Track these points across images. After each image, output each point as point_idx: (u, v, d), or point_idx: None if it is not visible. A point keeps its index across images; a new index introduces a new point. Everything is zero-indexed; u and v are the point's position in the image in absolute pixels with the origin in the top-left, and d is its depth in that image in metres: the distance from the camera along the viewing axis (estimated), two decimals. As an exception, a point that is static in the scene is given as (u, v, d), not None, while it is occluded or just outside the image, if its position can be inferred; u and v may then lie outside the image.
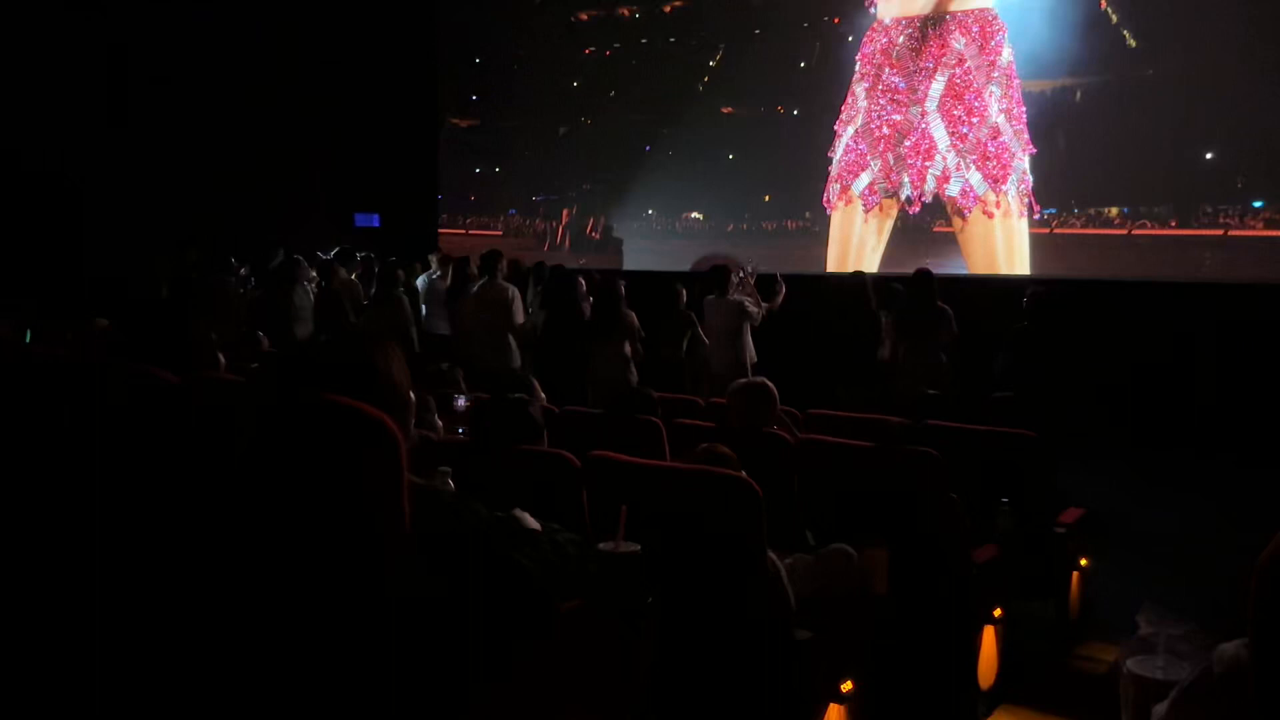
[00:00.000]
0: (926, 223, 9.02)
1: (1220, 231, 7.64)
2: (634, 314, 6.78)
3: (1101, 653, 3.99)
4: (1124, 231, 8.06)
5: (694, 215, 10.54)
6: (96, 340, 4.60)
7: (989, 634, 3.48)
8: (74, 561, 1.87)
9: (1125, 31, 7.97)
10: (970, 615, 3.42)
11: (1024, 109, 8.45)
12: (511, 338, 7.25)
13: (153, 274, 8.49)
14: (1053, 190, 8.37)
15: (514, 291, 7.33)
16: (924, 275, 6.71)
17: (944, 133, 8.79)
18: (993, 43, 8.58)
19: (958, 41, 8.73)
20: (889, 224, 9.23)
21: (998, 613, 3.53)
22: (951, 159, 8.74)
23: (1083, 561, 4.28)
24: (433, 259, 9.38)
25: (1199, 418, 7.12)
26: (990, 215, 8.60)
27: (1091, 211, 8.22)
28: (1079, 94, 8.24)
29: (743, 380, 4.11)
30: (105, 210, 9.18)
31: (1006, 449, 4.02)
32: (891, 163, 9.10)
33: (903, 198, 9.03)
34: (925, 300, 6.56)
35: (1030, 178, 8.43)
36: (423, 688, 1.61)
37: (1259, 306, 7.29)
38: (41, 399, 2.20)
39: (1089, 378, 7.42)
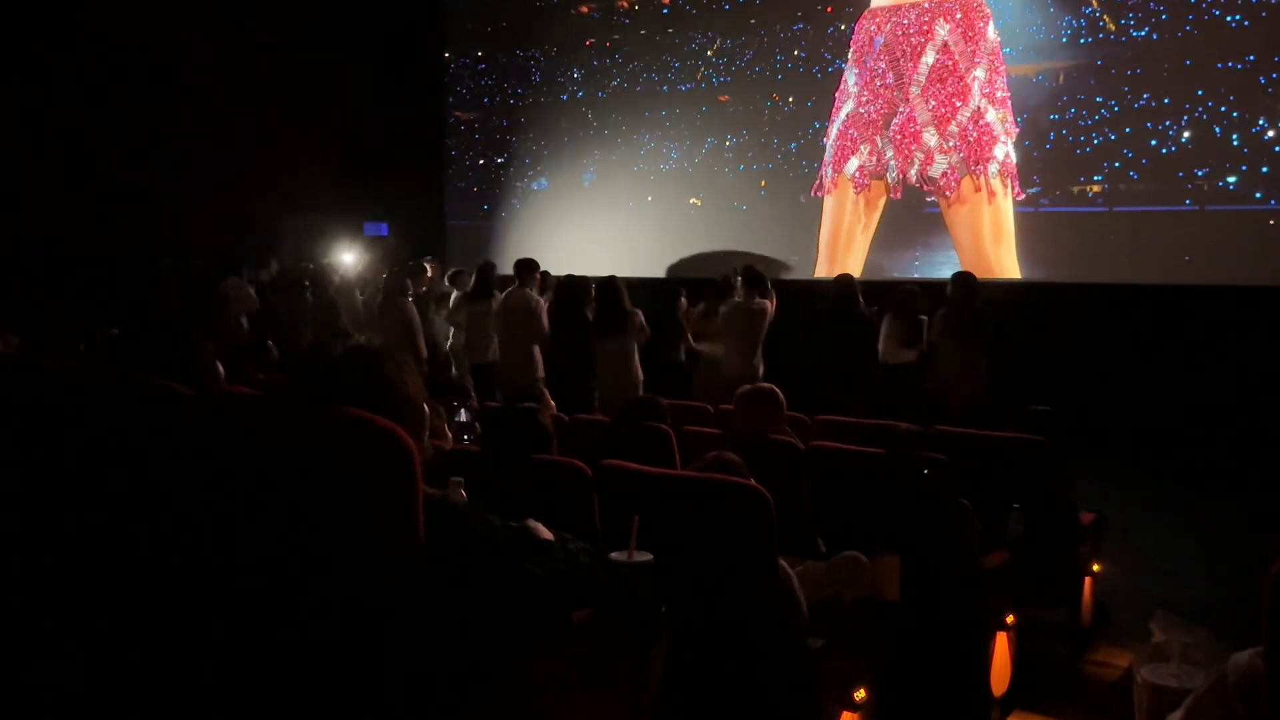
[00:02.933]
0: (915, 205, 9.26)
1: (1196, 207, 7.93)
2: (640, 312, 6.77)
3: (1114, 658, 3.98)
4: (1105, 209, 8.34)
5: (692, 201, 10.83)
6: (109, 352, 4.61)
7: (1001, 640, 3.47)
8: (88, 572, 1.89)
9: (1105, 16, 8.25)
10: (983, 621, 3.41)
11: (1008, 92, 8.72)
12: (536, 348, 7.20)
13: (161, 284, 8.53)
14: (1036, 170, 8.63)
15: (539, 301, 7.29)
16: (966, 278, 6.61)
17: (928, 116, 9.07)
18: (977, 27, 8.85)
19: (942, 27, 9.01)
20: (879, 207, 9.50)
21: (1010, 619, 3.52)
22: (935, 142, 9.03)
23: (1095, 567, 4.27)
24: (427, 265, 9.37)
25: (1213, 422, 7.09)
26: (973, 196, 8.87)
27: (1074, 190, 8.47)
28: (1061, 76, 8.52)
29: (748, 387, 4.09)
30: (109, 219, 9.22)
31: (1017, 455, 4.01)
32: (879, 146, 9.39)
33: (890, 180, 9.29)
34: (968, 306, 6.46)
35: (1014, 159, 8.68)
36: (437, 697, 1.62)
37: (1266, 307, 7.30)
38: (55, 411, 2.22)
39: (1099, 380, 7.44)
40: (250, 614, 1.58)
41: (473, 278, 8.18)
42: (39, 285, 7.92)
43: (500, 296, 7.65)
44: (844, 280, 7.07)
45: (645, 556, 2.06)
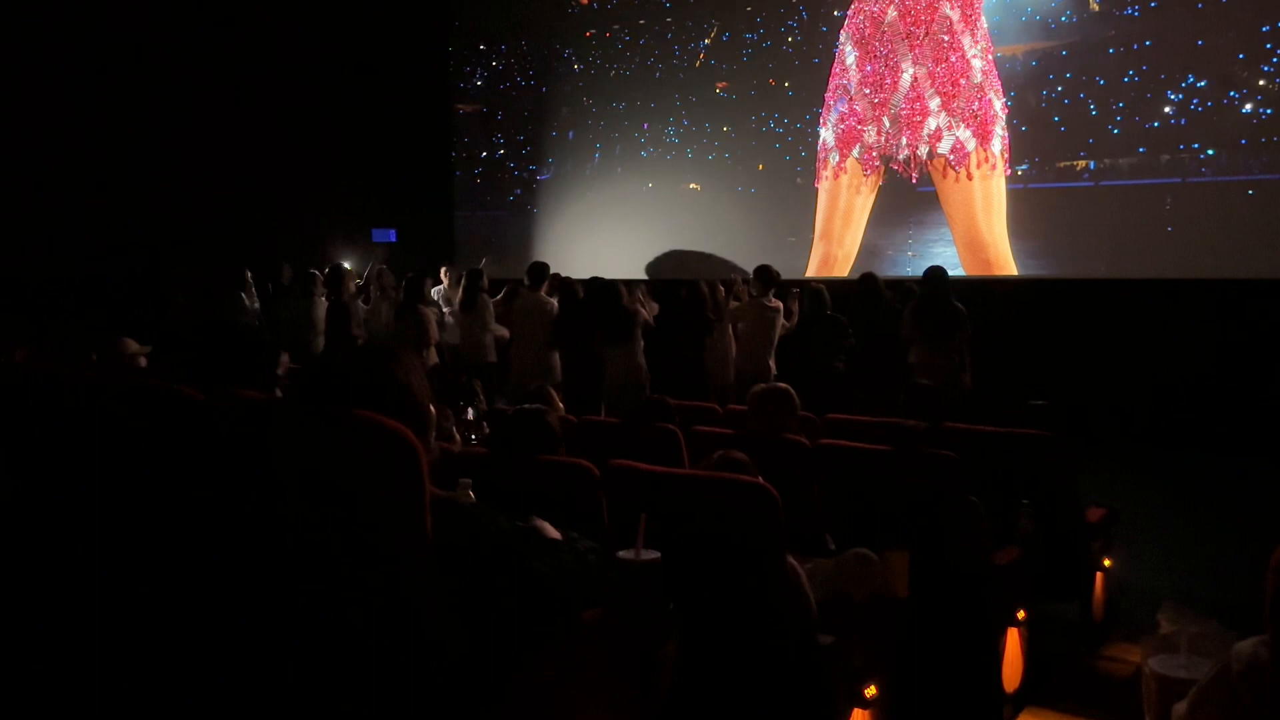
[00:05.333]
0: (909, 183, 9.40)
1: (1179, 180, 8.09)
2: (642, 309, 6.75)
3: (1126, 653, 3.97)
4: (1091, 184, 8.51)
5: (691, 186, 10.96)
6: (122, 359, 4.65)
7: (1013, 636, 3.47)
8: (98, 578, 1.90)
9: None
10: (994, 617, 3.41)
11: (998, 72, 8.94)
12: (553, 352, 7.14)
13: (166, 294, 8.57)
14: (1025, 147, 8.82)
15: (553, 304, 7.24)
16: (938, 274, 6.61)
17: (934, 93, 9.23)
18: (975, 7, 9.07)
19: (945, 7, 9.16)
20: (875, 185, 9.64)
21: (1021, 615, 3.52)
22: (943, 119, 9.18)
23: (1106, 562, 4.26)
24: (443, 271, 9.46)
25: (1216, 416, 7.06)
26: (975, 172, 9.04)
27: (1061, 166, 8.66)
28: (1049, 55, 8.70)
29: (762, 385, 4.12)
30: (110, 224, 9.25)
31: (1025, 450, 4.00)
32: (887, 126, 9.49)
33: (900, 158, 9.42)
34: (940, 299, 6.47)
35: (1008, 136, 8.89)
36: (444, 699, 1.63)
37: (1263, 301, 7.30)
38: (70, 417, 2.24)
39: (1105, 378, 7.42)
40: (257, 616, 1.59)
41: (460, 287, 8.20)
42: (42, 292, 7.95)
43: (501, 299, 7.67)
44: (868, 280, 7.03)
45: (653, 555, 2.06)
